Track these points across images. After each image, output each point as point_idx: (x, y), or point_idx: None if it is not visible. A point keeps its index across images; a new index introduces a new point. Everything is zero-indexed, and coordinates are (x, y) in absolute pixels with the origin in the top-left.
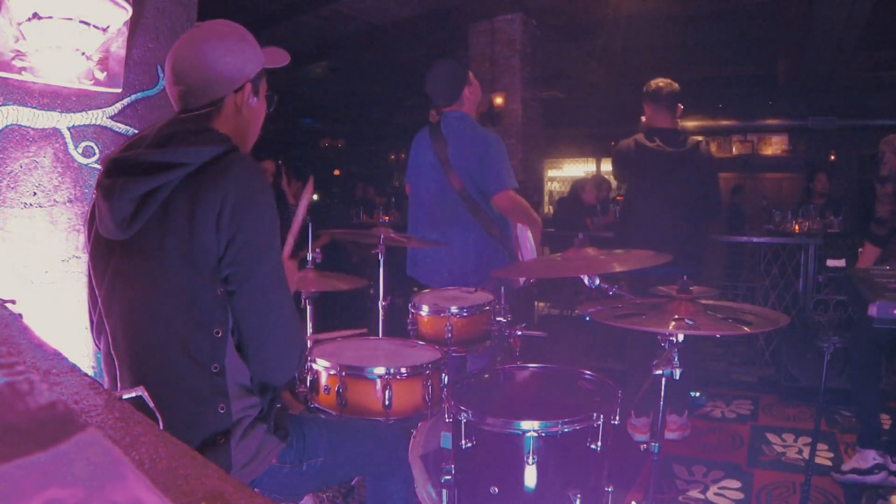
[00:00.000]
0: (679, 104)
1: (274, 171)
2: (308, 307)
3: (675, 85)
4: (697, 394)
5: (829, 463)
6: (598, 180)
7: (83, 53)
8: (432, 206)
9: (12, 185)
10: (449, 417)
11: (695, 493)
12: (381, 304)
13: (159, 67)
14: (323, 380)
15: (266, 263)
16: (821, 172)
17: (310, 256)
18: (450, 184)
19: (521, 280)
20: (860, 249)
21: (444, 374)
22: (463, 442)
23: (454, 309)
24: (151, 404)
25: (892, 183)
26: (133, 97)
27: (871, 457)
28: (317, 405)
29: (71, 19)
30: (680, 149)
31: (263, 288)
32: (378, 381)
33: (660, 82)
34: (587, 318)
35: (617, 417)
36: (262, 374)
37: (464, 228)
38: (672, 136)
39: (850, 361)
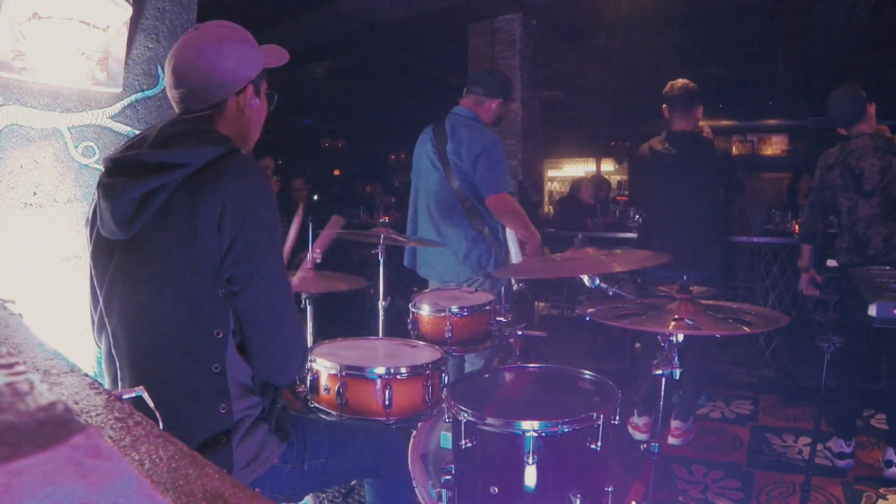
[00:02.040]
0: (697, 105)
1: (273, 168)
2: (308, 307)
3: (691, 85)
4: None
5: (828, 463)
6: (595, 180)
7: (83, 53)
8: (430, 202)
9: (12, 185)
10: (449, 417)
11: (695, 493)
12: (381, 304)
13: (159, 67)
14: (323, 380)
15: (268, 264)
16: (807, 174)
17: (310, 256)
18: (445, 179)
19: (515, 285)
20: None
21: (444, 374)
22: (463, 442)
23: (454, 308)
24: (151, 404)
25: (814, 194)
26: (133, 97)
27: (842, 444)
28: (317, 405)
29: (71, 19)
30: (690, 151)
31: (266, 288)
32: (378, 381)
33: (676, 82)
34: (587, 318)
35: (617, 417)
36: (265, 373)
37: (457, 226)
38: (684, 138)
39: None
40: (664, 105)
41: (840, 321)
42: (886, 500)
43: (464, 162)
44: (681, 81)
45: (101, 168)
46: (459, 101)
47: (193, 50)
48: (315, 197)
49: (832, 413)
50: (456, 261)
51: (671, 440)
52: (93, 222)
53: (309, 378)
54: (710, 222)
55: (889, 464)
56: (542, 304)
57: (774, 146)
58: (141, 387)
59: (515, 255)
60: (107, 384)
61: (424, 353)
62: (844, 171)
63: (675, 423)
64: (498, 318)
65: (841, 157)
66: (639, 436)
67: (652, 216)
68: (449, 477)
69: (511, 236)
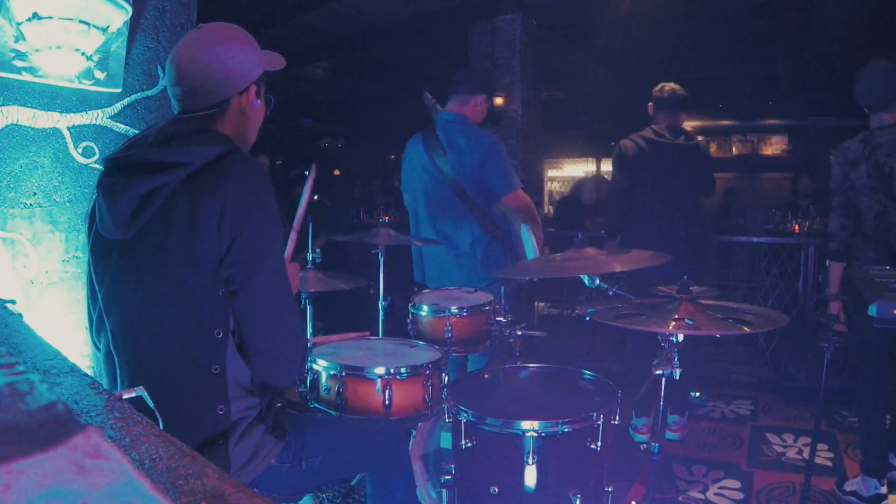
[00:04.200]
0: (681, 112)
1: (269, 166)
2: (308, 307)
3: (679, 91)
4: (697, 394)
5: (829, 463)
6: (597, 181)
7: (83, 53)
8: (434, 214)
9: (12, 185)
10: (449, 417)
11: (695, 493)
12: (381, 304)
13: (159, 67)
14: (323, 380)
15: (269, 263)
16: (804, 174)
17: (310, 256)
18: (449, 188)
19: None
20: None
21: (444, 374)
22: (463, 442)
23: (454, 309)
24: (152, 404)
25: (839, 196)
26: (133, 97)
27: (873, 485)
28: (317, 405)
29: (71, 19)
30: (688, 142)
31: (266, 289)
32: (378, 381)
33: (665, 85)
34: (587, 318)
35: (617, 417)
36: (263, 375)
37: (468, 232)
38: (677, 131)
39: (855, 370)
40: (650, 104)
41: (853, 324)
42: (887, 500)
43: (469, 169)
44: (670, 85)
45: (101, 168)
46: (445, 107)
47: (199, 48)
48: (315, 197)
49: (846, 418)
50: (474, 267)
51: (669, 434)
52: (91, 221)
53: (309, 378)
54: (698, 213)
55: (889, 468)
56: (542, 304)
57: (774, 146)
58: (141, 387)
59: (532, 253)
60: (106, 384)
61: (424, 353)
62: (872, 168)
63: (671, 419)
64: (498, 318)
65: (866, 153)
66: (640, 437)
67: (641, 206)
68: (449, 477)
69: (526, 234)
